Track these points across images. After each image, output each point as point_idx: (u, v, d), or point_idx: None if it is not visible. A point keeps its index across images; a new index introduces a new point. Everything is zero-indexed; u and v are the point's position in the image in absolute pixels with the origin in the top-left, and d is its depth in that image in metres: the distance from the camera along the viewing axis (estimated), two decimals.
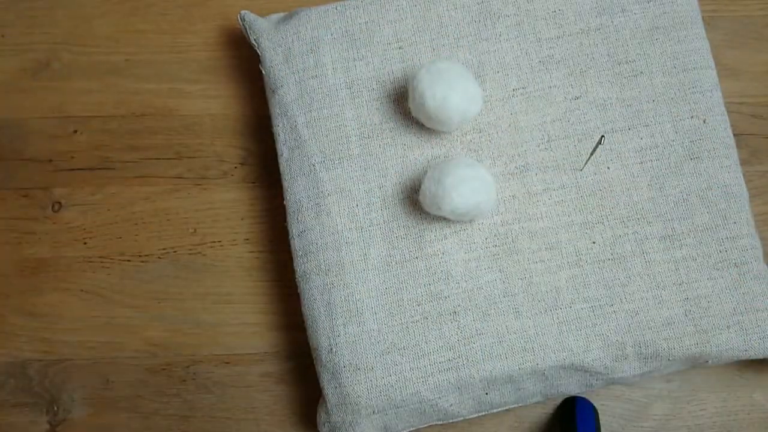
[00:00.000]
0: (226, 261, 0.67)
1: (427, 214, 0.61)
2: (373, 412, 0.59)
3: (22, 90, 0.70)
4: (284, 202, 0.63)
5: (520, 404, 0.61)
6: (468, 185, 0.57)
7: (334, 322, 0.59)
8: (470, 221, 0.61)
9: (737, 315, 0.59)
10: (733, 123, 0.66)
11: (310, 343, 0.61)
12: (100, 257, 0.67)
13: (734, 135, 0.64)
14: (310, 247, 0.61)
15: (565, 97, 0.63)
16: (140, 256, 0.67)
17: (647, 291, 0.60)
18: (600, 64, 0.64)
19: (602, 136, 0.55)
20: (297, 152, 0.63)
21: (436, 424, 0.62)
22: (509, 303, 0.60)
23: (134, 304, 0.67)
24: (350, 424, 0.59)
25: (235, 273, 0.67)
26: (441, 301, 0.60)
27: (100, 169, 0.69)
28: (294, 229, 0.62)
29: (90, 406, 0.65)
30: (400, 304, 0.60)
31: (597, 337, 0.59)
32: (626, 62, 0.64)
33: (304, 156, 0.62)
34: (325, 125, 0.63)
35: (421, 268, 0.60)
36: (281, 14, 0.67)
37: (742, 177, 0.63)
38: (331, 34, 0.64)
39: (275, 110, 0.64)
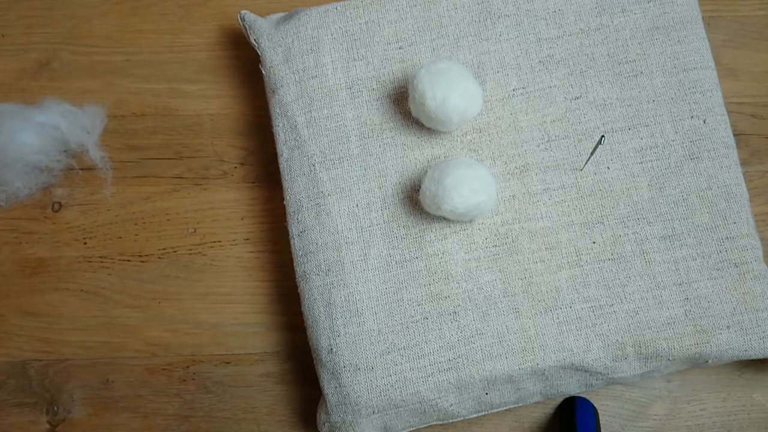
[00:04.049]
0: (226, 261, 0.67)
1: (427, 214, 0.61)
2: (373, 412, 0.59)
3: (22, 90, 0.70)
4: (284, 202, 0.63)
5: (520, 404, 0.61)
6: (468, 185, 0.57)
7: (334, 322, 0.59)
8: (470, 221, 0.61)
9: (737, 315, 0.59)
10: (733, 123, 0.66)
11: (310, 343, 0.61)
12: (100, 257, 0.67)
13: (734, 135, 0.64)
14: (310, 247, 0.61)
15: (565, 97, 0.63)
16: (140, 256, 0.67)
17: (647, 291, 0.60)
18: (600, 64, 0.64)
19: (602, 136, 0.55)
20: (297, 152, 0.63)
21: (436, 424, 0.62)
22: (509, 303, 0.60)
23: (134, 304, 0.67)
24: (350, 424, 0.59)
25: (235, 273, 0.67)
26: (441, 301, 0.60)
27: (100, 168, 0.69)
28: (294, 229, 0.62)
29: (90, 406, 0.65)
30: (400, 304, 0.60)
31: (597, 337, 0.59)
32: (626, 62, 0.64)
33: (304, 156, 0.62)
34: (325, 125, 0.63)
35: (421, 268, 0.60)
36: (281, 14, 0.67)
37: (742, 177, 0.63)
38: (331, 34, 0.64)
39: (275, 110, 0.64)
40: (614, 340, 0.59)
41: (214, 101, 0.70)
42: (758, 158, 0.69)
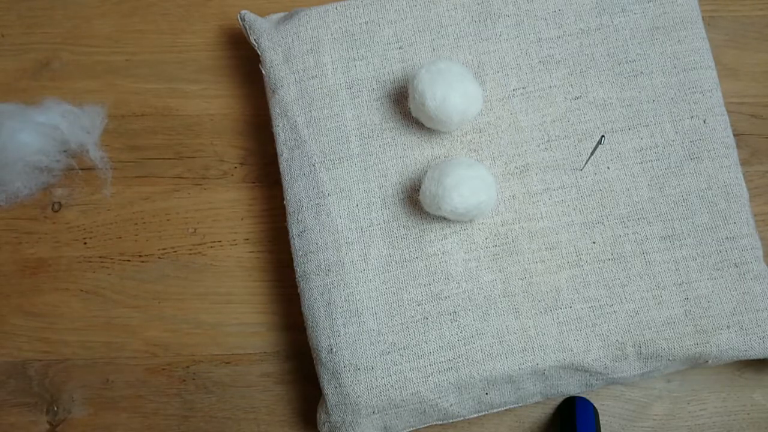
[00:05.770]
0: (226, 261, 0.67)
1: (427, 214, 0.61)
2: (373, 412, 0.59)
3: (22, 90, 0.70)
4: (284, 202, 0.63)
5: (520, 404, 0.61)
6: (468, 185, 0.57)
7: (334, 322, 0.59)
8: (470, 221, 0.61)
9: (737, 315, 0.59)
10: (733, 123, 0.66)
11: (310, 343, 0.61)
12: (100, 257, 0.67)
13: (734, 135, 0.64)
14: (310, 247, 0.61)
15: (565, 97, 0.63)
16: (140, 256, 0.67)
17: (647, 291, 0.60)
18: (600, 64, 0.64)
19: (602, 136, 0.55)
20: (297, 152, 0.63)
21: (436, 424, 0.62)
22: (509, 303, 0.60)
23: (134, 304, 0.67)
24: (350, 424, 0.59)
25: (235, 273, 0.67)
26: (441, 301, 0.60)
27: (100, 169, 0.69)
28: (294, 229, 0.62)
29: (90, 406, 0.65)
30: (400, 304, 0.60)
31: (597, 337, 0.59)
32: (626, 62, 0.64)
33: (304, 156, 0.62)
34: (325, 125, 0.63)
35: (421, 268, 0.60)
36: (281, 14, 0.67)
37: (742, 177, 0.63)
38: (331, 34, 0.64)
39: (275, 110, 0.64)
40: (614, 340, 0.59)
41: (214, 101, 0.70)
42: (758, 158, 0.69)
